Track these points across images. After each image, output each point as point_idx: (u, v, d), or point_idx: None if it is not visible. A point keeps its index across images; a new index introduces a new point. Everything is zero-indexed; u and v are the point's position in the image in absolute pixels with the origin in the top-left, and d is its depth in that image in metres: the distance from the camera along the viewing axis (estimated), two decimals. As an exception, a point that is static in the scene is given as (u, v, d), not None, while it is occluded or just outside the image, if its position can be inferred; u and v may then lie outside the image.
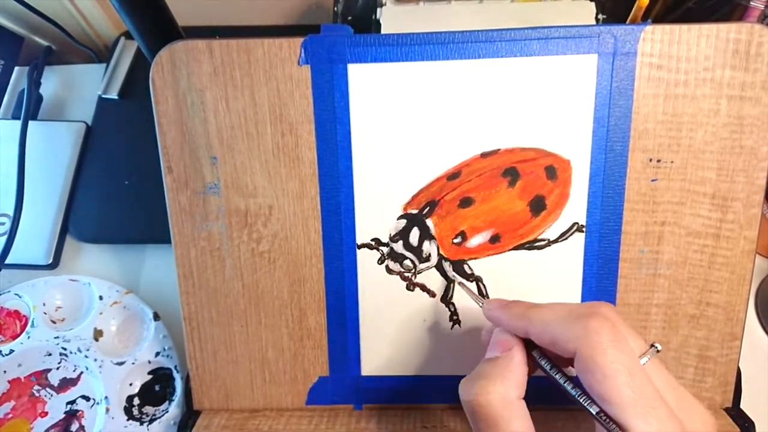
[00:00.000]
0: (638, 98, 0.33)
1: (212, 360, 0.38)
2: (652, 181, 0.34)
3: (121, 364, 0.42)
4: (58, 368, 0.43)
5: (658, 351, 0.25)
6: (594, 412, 0.23)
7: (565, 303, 0.27)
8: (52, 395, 0.42)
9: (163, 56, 0.34)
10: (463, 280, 0.34)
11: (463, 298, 0.36)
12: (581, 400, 0.24)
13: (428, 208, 0.35)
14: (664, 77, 0.33)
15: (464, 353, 0.37)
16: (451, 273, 0.36)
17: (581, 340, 0.24)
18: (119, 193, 0.48)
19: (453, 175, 0.35)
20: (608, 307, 0.26)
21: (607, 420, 0.23)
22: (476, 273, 0.36)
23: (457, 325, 0.36)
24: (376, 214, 0.35)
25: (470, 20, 0.44)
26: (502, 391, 0.25)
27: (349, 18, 0.48)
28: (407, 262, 0.36)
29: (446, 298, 0.36)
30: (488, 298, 0.31)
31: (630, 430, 0.22)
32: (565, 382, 0.25)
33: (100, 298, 0.44)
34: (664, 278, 0.35)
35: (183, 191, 0.36)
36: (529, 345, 0.27)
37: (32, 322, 0.43)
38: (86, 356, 0.42)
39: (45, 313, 0.44)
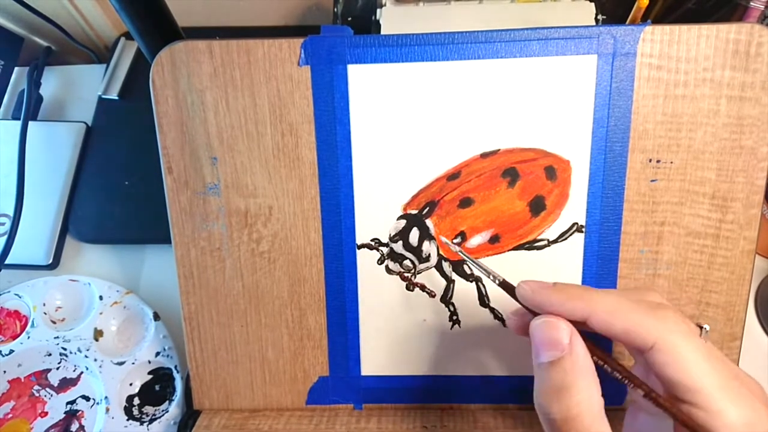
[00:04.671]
0: (638, 99, 0.33)
1: (212, 360, 0.38)
2: (652, 181, 0.34)
3: (121, 364, 0.42)
4: (58, 368, 0.43)
5: (707, 332, 0.25)
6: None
7: (614, 290, 0.27)
8: (52, 395, 0.42)
9: (163, 56, 0.34)
10: (475, 264, 0.32)
11: (463, 298, 0.36)
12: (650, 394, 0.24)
13: (428, 208, 0.35)
14: (663, 78, 0.33)
15: (464, 353, 0.37)
16: (450, 272, 0.36)
17: (661, 332, 0.23)
18: (119, 193, 0.48)
19: (453, 176, 0.35)
20: (654, 291, 0.26)
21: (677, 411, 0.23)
22: (476, 273, 0.36)
23: (457, 325, 0.37)
24: (376, 214, 0.35)
25: (470, 21, 0.44)
26: (588, 398, 0.24)
27: (349, 19, 0.48)
28: (407, 262, 0.36)
29: (446, 298, 0.36)
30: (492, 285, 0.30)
31: (723, 416, 0.22)
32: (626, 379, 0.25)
33: (100, 298, 0.44)
34: (663, 278, 0.35)
35: (183, 191, 0.36)
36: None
37: (32, 322, 0.43)
38: (86, 356, 0.42)
39: (45, 313, 0.44)
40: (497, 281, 0.28)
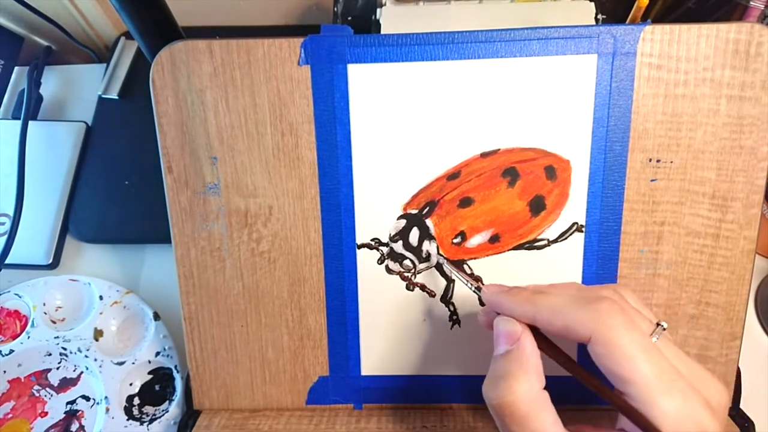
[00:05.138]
0: (638, 98, 0.33)
1: (212, 360, 0.38)
2: (652, 181, 0.34)
3: (121, 364, 0.42)
4: (58, 368, 0.43)
5: (664, 329, 0.25)
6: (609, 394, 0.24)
7: (568, 285, 0.28)
8: (52, 395, 0.42)
9: (163, 56, 0.34)
10: (453, 268, 0.34)
11: (463, 298, 0.36)
12: (589, 382, 0.25)
13: (428, 208, 0.35)
14: (663, 77, 0.33)
15: (464, 353, 0.37)
16: (448, 269, 0.36)
17: (595, 324, 0.24)
18: (119, 193, 0.48)
19: (453, 175, 0.35)
20: (613, 289, 0.26)
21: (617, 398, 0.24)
22: (476, 273, 0.36)
23: (456, 325, 0.37)
24: (376, 214, 0.35)
25: (470, 20, 0.44)
26: (527, 388, 0.25)
27: (349, 18, 0.48)
28: (407, 262, 0.36)
29: (446, 298, 0.36)
30: (480, 282, 0.31)
31: (656, 407, 0.23)
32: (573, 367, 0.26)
33: (101, 298, 0.44)
34: (663, 278, 0.35)
35: (183, 191, 0.36)
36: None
37: (32, 322, 0.43)
38: (86, 356, 0.42)
39: (45, 313, 0.44)
40: (473, 288, 0.31)
